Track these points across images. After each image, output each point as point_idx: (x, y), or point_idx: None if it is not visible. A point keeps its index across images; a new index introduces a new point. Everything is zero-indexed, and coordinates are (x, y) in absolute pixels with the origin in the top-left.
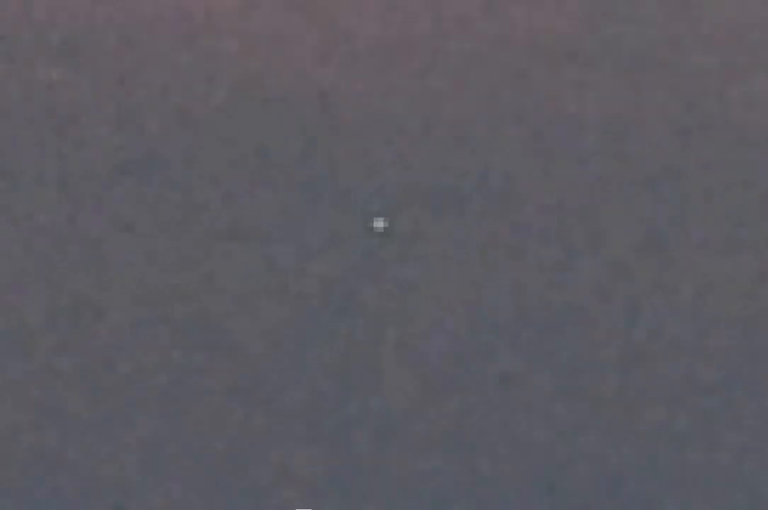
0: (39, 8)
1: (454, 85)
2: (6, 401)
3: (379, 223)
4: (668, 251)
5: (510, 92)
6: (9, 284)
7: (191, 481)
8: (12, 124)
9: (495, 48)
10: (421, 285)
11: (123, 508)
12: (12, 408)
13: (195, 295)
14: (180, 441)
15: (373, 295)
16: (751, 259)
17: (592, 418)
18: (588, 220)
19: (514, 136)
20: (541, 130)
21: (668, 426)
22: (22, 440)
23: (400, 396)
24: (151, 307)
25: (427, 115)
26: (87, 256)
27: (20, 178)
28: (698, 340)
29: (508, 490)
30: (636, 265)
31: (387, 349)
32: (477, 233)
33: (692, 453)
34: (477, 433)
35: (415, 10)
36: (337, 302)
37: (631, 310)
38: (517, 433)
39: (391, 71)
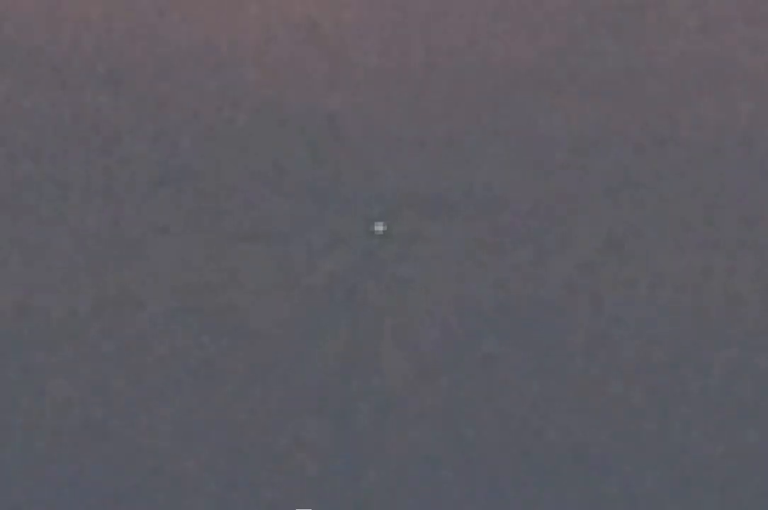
0: (87, 42)
1: (444, 108)
2: (59, 379)
3: (379, 227)
4: (626, 251)
5: (492, 113)
6: (63, 279)
7: (218, 447)
8: (65, 141)
9: (479, 76)
10: (416, 281)
11: (160, 471)
12: (64, 385)
13: (220, 289)
14: (208, 413)
15: (374, 290)
16: (697, 258)
17: (561, 393)
18: (558, 225)
19: (496, 152)
20: (519, 147)
21: (626, 400)
22: (74, 413)
23: (396, 375)
24: (184, 299)
25: (421, 133)
26: (129, 254)
27: (72, 188)
28: (652, 327)
29: (490, 455)
30: (599, 264)
31: (385, 336)
32: (464, 235)
33: (646, 423)
34: (463, 406)
35: (409, 44)
36: (341, 295)
37: (594, 301)
38: (498, 407)
39: (390, 95)
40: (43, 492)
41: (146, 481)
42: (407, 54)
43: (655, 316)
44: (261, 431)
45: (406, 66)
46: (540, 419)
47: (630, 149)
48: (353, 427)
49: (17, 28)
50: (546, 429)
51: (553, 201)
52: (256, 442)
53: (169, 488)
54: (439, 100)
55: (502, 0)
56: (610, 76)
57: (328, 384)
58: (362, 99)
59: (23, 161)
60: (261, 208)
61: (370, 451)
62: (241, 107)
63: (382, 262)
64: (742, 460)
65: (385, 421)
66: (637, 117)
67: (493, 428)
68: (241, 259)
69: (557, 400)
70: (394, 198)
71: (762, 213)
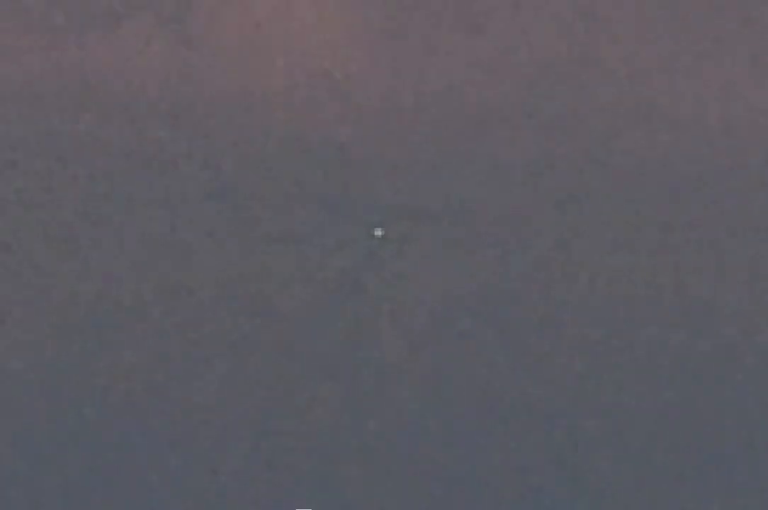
0: (151, 87)
1: (429, 139)
2: (130, 351)
3: (378, 232)
4: (571, 251)
5: (466, 144)
6: (133, 272)
7: (253, 402)
8: (133, 165)
9: (455, 114)
10: (408, 275)
11: (208, 423)
12: (133, 355)
13: (254, 280)
14: (245, 376)
15: (374, 282)
16: (634, 258)
17: (520, 361)
18: (518, 230)
19: (470, 173)
20: (488, 169)
21: (570, 367)
22: (137, 379)
23: (392, 348)
24: (225, 288)
25: (411, 159)
26: (183, 253)
27: (139, 201)
28: (594, 311)
29: (466, 409)
30: (554, 261)
31: (383, 318)
32: (445, 239)
33: (588, 385)
34: (444, 372)
35: (402, 89)
36: (348, 286)
37: (546, 290)
38: (471, 373)
39: (387, 129)
40: (111, 442)
41: (197, 430)
42: (401, 97)
43: (593, 302)
44: (285, 391)
45: (400, 106)
46: (504, 382)
47: (574, 171)
48: (358, 387)
49: (96, 75)
50: (509, 390)
51: (514, 212)
52: (282, 399)
53: (215, 435)
54: (425, 134)
55: (475, 57)
56: (559, 114)
57: (338, 354)
58: (365, 132)
59: (101, 181)
60: (286, 217)
61: (371, 406)
62: (271, 138)
63: (381, 260)
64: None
65: (383, 383)
66: (579, 146)
67: (468, 389)
68: (270, 257)
69: (518, 367)
70: (390, 209)
71: (678, 222)
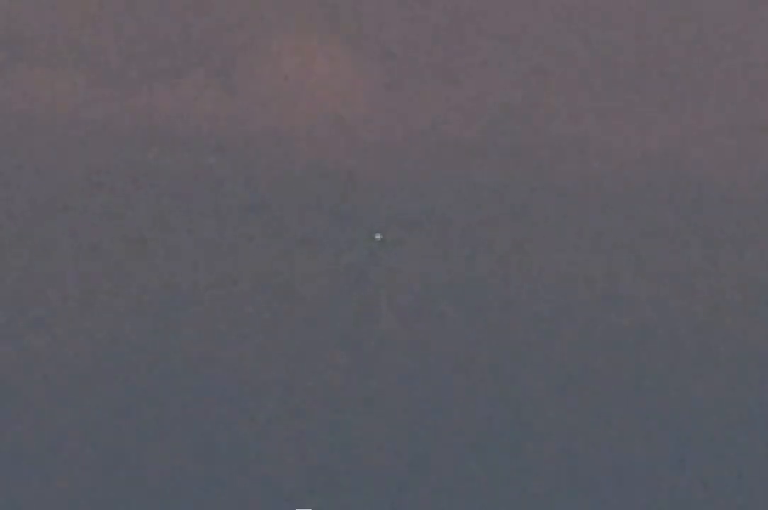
0: (205, 123)
1: (418, 167)
2: (191, 329)
3: (378, 236)
4: (527, 254)
5: (446, 171)
6: (191, 268)
7: (282, 365)
8: (188, 184)
9: (439, 148)
10: (401, 269)
11: (247, 380)
12: (190, 332)
13: (283, 273)
14: (276, 344)
15: (375, 275)
16: (573, 256)
17: (486, 334)
18: (486, 235)
19: (450, 191)
20: (465, 188)
21: (525, 337)
22: (200, 349)
23: (389, 324)
24: (263, 279)
25: (404, 182)
26: (229, 253)
27: (195, 213)
28: (542, 293)
29: (444, 367)
30: (512, 258)
31: (382, 301)
32: (431, 243)
33: (538, 349)
34: (429, 341)
35: (395, 125)
36: (355, 277)
37: (508, 281)
38: (450, 341)
39: (385, 160)
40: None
41: (242, 383)
42: (395, 133)
43: (542, 288)
44: (308, 355)
45: (395, 141)
46: (472, 348)
47: (527, 190)
48: (363, 351)
49: (162, 116)
50: (478, 354)
51: (481, 221)
52: (305, 360)
53: (254, 384)
54: (414, 162)
55: (452, 103)
56: (515, 146)
57: (348, 328)
58: (368, 161)
59: (167, 196)
60: (307, 225)
61: (372, 365)
62: (295, 165)
63: (380, 258)
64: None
65: (382, 348)
66: (531, 171)
67: (446, 352)
68: (296, 255)
69: (483, 337)
70: (387, 219)
71: (607, 228)
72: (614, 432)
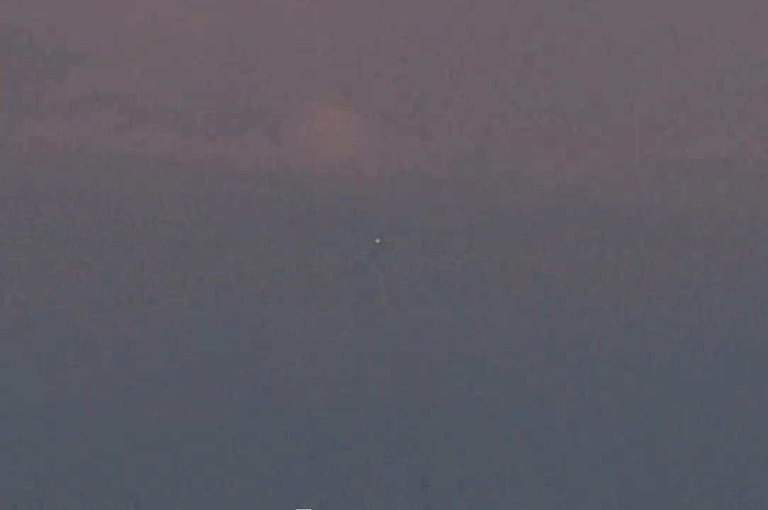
0: (257, 166)
1: (409, 194)
2: (225, 314)
3: (377, 240)
4: (489, 252)
5: (432, 195)
6: (232, 264)
7: (301, 333)
8: (245, 211)
9: (430, 178)
10: (395, 266)
11: (268, 355)
12: (228, 314)
13: (307, 266)
14: (298, 321)
15: (374, 270)
16: (534, 262)
17: (466, 317)
18: (462, 241)
19: (435, 211)
20: (440, 209)
21: (492, 319)
22: (225, 328)
23: (387, 310)
24: (290, 270)
25: (396, 204)
26: (271, 251)
27: (246, 228)
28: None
29: (435, 341)
30: (479, 258)
31: (381, 291)
32: (417, 245)
33: (502, 326)
34: (422, 323)
35: (394, 164)
36: (358, 272)
37: (481, 278)
38: (438, 323)
39: (386, 186)
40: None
41: (262, 356)
42: (388, 169)
43: (499, 278)
44: (321, 332)
45: (389, 175)
46: (454, 329)
47: (478, 209)
48: (366, 332)
49: (226, 164)
50: (459, 333)
51: (456, 233)
52: (319, 338)
53: (275, 352)
54: (404, 189)
55: (428, 151)
56: (470, 182)
57: (354, 313)
58: (371, 189)
59: (228, 220)
60: (326, 233)
61: (374, 343)
62: (321, 191)
63: (378, 256)
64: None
65: (382, 331)
66: (482, 200)
67: (436, 332)
68: (318, 254)
69: (462, 320)
70: (385, 229)
71: (549, 245)
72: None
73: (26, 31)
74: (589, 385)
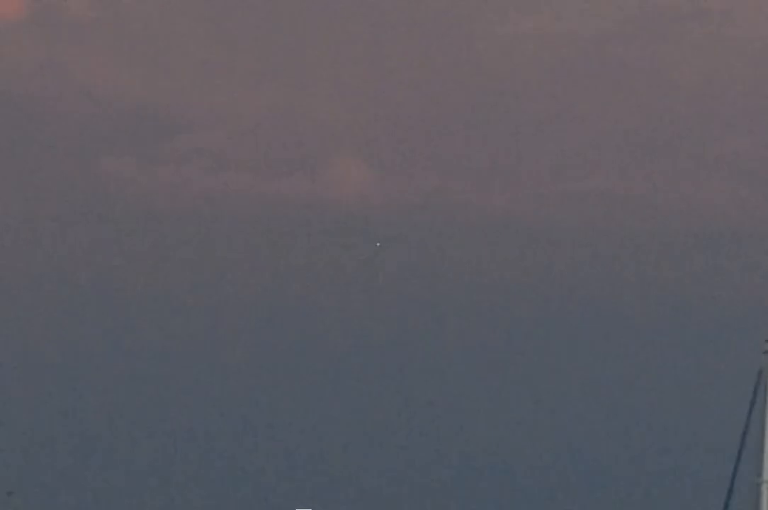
0: (298, 199)
1: (400, 238)
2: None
3: (378, 244)
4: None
5: (416, 225)
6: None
7: (316, 318)
8: (285, 236)
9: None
10: (390, 263)
11: (300, 313)
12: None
13: (329, 263)
14: (314, 309)
15: (375, 266)
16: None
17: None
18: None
19: (417, 234)
20: (424, 235)
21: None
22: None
23: (386, 298)
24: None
25: (394, 226)
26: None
27: (289, 244)
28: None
29: (425, 324)
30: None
31: (380, 283)
32: (411, 250)
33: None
34: (409, 316)
35: (392, 201)
36: (363, 267)
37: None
38: (426, 305)
39: (391, 217)
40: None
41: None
42: (392, 206)
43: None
44: (331, 319)
45: (393, 210)
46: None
47: (448, 232)
48: (368, 317)
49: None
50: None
51: (430, 241)
52: (328, 325)
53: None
54: (396, 215)
55: (420, 194)
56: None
57: (359, 302)
58: (379, 217)
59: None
60: (344, 241)
61: (375, 326)
62: (344, 221)
63: (377, 256)
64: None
65: (383, 315)
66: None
67: (420, 317)
68: (337, 256)
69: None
70: (383, 239)
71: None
72: None
73: (152, 101)
74: None
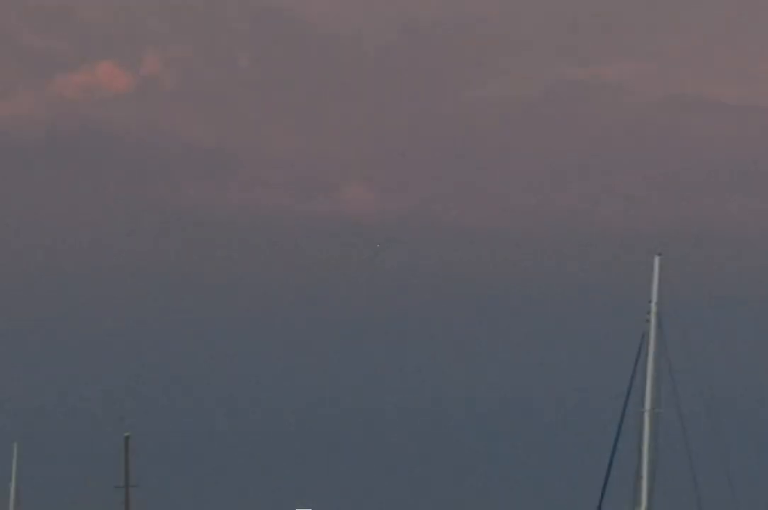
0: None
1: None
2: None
3: (378, 245)
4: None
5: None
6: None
7: (324, 305)
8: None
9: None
10: (387, 261)
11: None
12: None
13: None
14: (324, 299)
15: (374, 263)
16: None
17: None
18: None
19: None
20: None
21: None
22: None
23: (384, 291)
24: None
25: (396, 232)
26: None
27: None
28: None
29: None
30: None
31: (379, 278)
32: (399, 249)
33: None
34: (403, 306)
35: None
36: (366, 263)
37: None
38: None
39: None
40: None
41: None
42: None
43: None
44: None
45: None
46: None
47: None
48: (369, 305)
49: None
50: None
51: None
52: (334, 314)
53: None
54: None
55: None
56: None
57: (363, 294)
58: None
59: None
60: (357, 247)
61: (375, 312)
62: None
63: (377, 254)
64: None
65: (381, 305)
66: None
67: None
68: (348, 254)
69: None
70: (382, 242)
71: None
72: None
73: (221, 144)
74: None
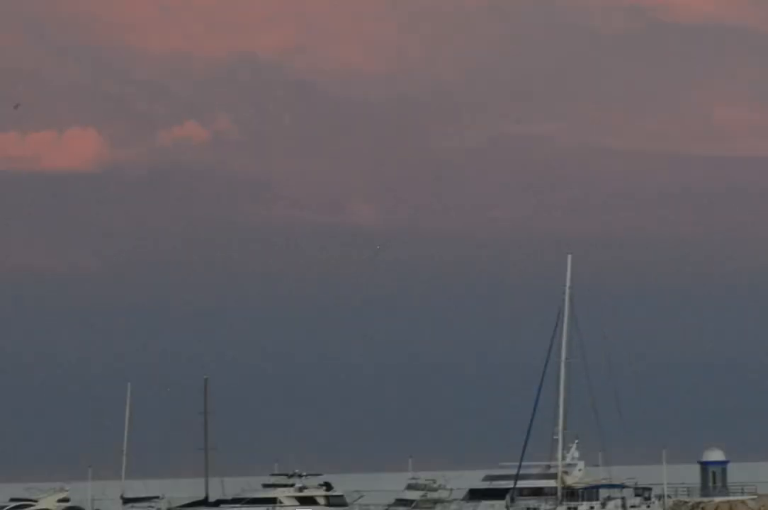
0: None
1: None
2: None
3: (378, 246)
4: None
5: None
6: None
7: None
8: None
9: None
10: (384, 259)
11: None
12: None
13: (342, 261)
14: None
15: (374, 261)
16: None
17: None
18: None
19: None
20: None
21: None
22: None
23: (383, 286)
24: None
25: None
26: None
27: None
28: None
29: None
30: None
31: (379, 274)
32: (399, 252)
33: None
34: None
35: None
36: (366, 262)
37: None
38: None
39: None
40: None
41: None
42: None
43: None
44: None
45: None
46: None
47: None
48: (369, 300)
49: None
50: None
51: (411, 248)
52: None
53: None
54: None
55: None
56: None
57: (365, 290)
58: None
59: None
60: (362, 249)
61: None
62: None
63: (377, 253)
64: None
65: (380, 299)
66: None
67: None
68: (356, 255)
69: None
70: (382, 243)
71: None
72: None
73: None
74: None
